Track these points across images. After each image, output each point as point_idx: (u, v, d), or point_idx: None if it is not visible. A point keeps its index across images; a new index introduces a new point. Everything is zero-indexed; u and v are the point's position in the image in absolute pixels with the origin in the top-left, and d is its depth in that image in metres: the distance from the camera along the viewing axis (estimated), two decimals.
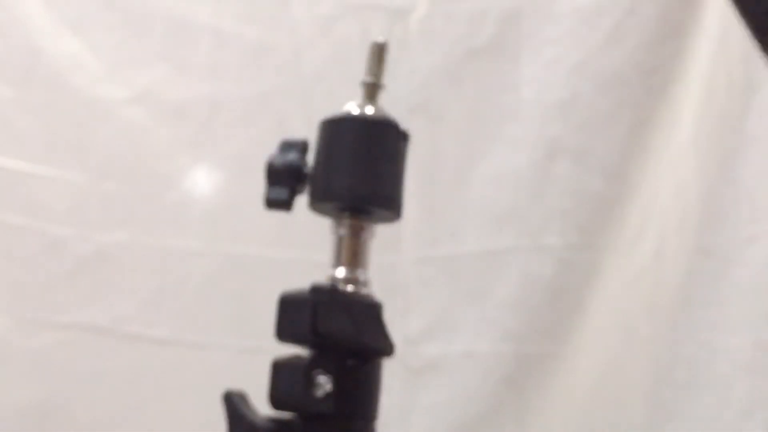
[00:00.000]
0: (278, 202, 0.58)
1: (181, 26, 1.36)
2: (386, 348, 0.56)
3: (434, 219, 1.35)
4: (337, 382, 0.54)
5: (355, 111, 0.59)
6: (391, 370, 0.58)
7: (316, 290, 0.55)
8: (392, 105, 0.61)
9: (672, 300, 1.30)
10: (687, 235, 1.30)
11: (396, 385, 1.30)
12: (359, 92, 0.60)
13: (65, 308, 1.30)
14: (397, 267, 1.34)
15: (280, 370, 0.56)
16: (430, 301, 1.35)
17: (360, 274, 0.57)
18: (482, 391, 1.32)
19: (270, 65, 1.37)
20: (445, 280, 1.35)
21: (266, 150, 1.52)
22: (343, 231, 0.58)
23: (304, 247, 1.30)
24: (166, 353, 1.31)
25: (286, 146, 0.60)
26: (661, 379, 1.29)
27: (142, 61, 1.36)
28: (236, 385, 0.58)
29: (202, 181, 1.36)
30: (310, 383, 0.53)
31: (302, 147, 0.59)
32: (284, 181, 0.58)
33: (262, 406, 0.57)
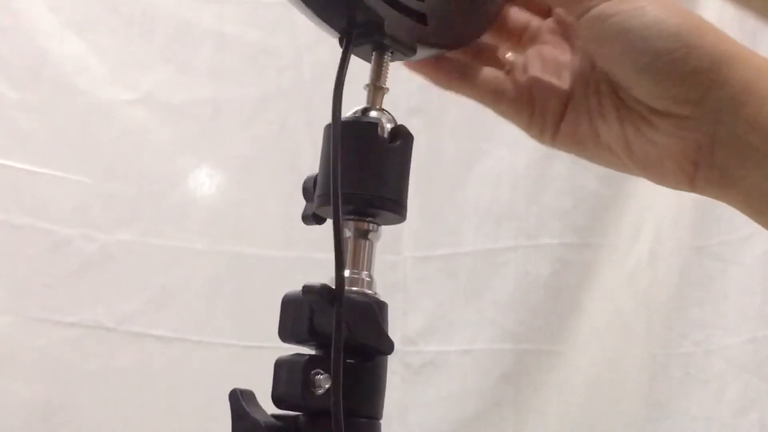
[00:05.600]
0: (311, 218, 0.58)
1: (184, 29, 1.36)
2: (384, 346, 0.55)
3: (433, 219, 1.36)
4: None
5: (360, 114, 0.59)
6: (390, 368, 0.58)
7: (307, 290, 0.54)
8: (391, 107, 0.61)
9: (667, 299, 1.31)
10: (682, 235, 1.31)
11: (395, 382, 1.30)
12: (360, 95, 0.60)
13: (70, 307, 1.30)
14: (397, 266, 1.34)
15: (281, 368, 0.55)
16: (429, 300, 1.35)
17: (365, 276, 0.57)
18: (480, 389, 1.32)
19: (272, 68, 1.37)
20: (444, 279, 1.35)
21: (268, 151, 1.53)
22: (349, 233, 0.57)
23: (305, 247, 1.31)
24: (169, 352, 1.31)
25: None
26: (656, 377, 1.30)
27: (146, 64, 1.36)
28: (239, 383, 0.57)
29: (205, 181, 1.36)
30: (310, 382, 0.53)
31: None
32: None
33: (264, 404, 0.57)
